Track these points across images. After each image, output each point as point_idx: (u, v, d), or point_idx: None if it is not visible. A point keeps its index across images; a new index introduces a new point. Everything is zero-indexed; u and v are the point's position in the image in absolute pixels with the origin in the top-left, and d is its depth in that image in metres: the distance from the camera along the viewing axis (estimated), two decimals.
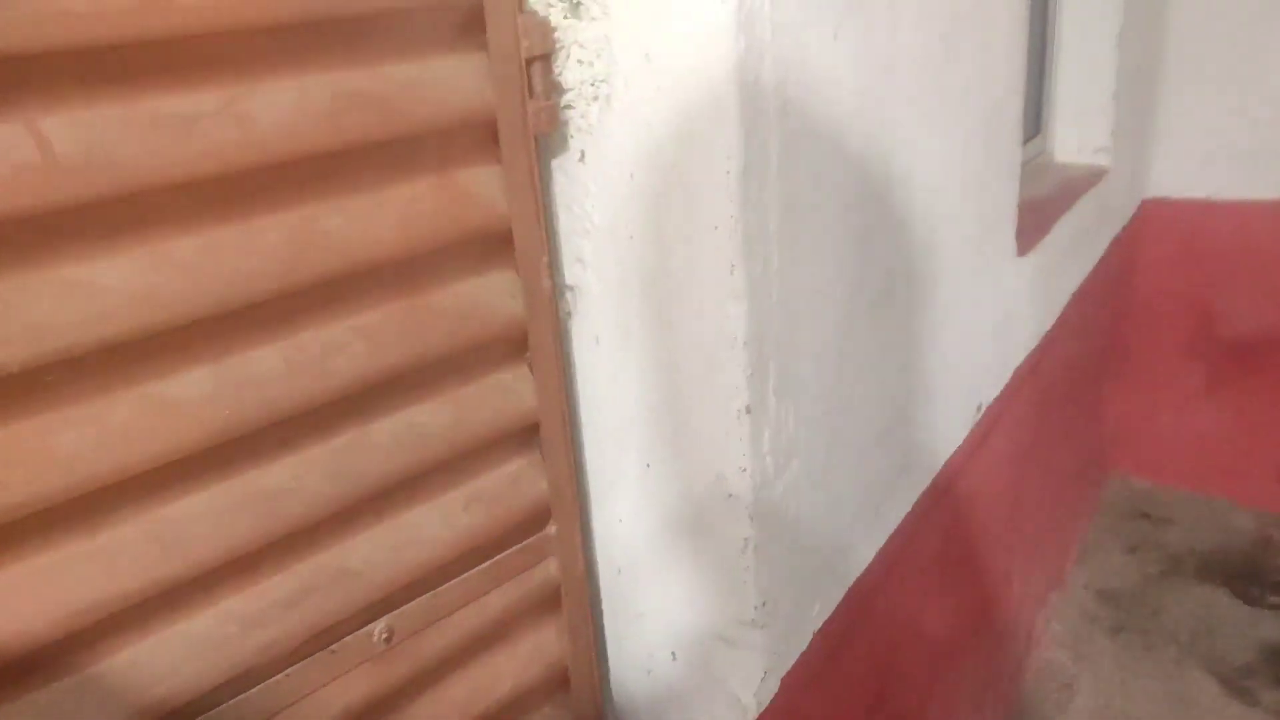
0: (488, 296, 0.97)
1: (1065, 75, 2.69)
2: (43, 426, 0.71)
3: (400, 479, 0.94)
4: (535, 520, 1.07)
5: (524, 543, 1.06)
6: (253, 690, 0.87)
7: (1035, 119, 2.68)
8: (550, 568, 1.10)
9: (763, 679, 1.18)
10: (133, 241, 0.72)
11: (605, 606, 1.23)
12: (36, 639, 0.73)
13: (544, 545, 1.08)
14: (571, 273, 1.07)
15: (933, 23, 1.31)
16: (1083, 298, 2.56)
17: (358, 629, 0.94)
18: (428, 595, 0.98)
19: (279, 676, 0.89)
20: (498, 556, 1.04)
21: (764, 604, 1.13)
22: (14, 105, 0.65)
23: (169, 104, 0.71)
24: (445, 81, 0.87)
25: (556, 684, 1.16)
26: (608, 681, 1.27)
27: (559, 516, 1.08)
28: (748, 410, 1.03)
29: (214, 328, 0.78)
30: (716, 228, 0.96)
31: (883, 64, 1.17)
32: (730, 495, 1.08)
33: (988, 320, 1.83)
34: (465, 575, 1.01)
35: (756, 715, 1.19)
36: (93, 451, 0.73)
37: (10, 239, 0.66)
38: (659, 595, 1.19)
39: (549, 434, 1.05)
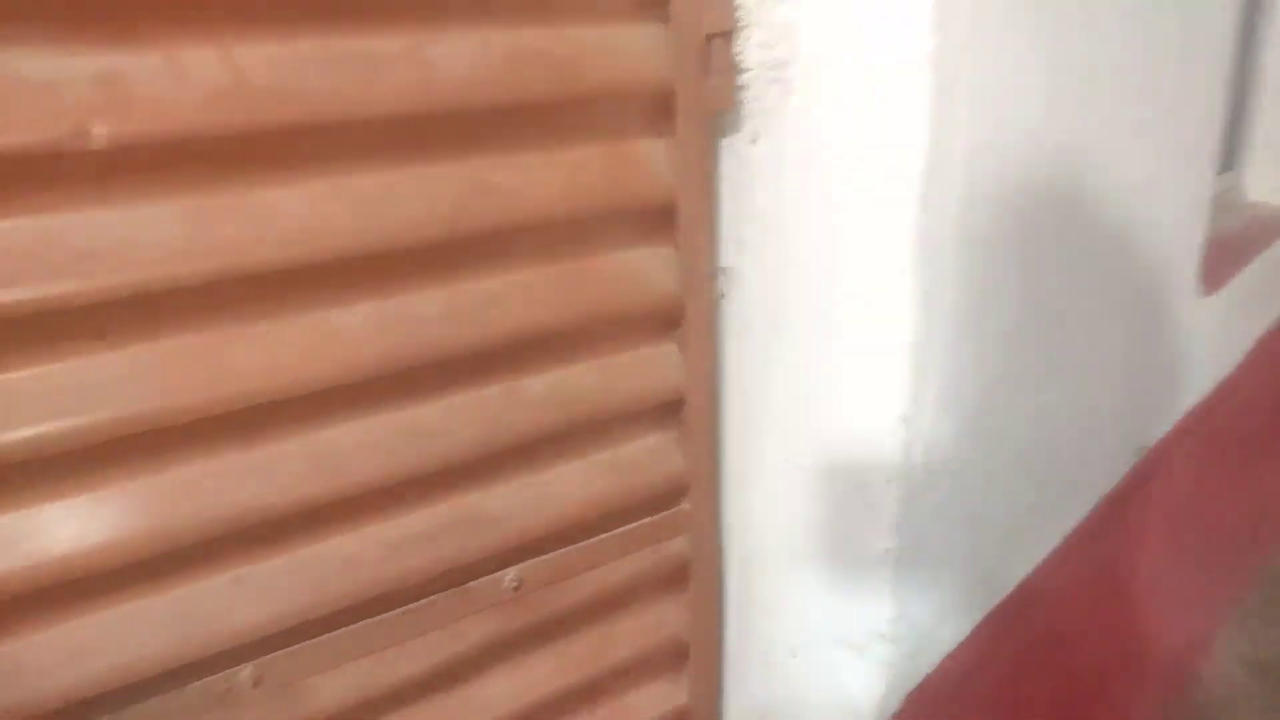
0: (646, 269, 0.98)
1: (1266, 110, 2.52)
2: (219, 340, 0.77)
3: (544, 436, 0.97)
4: (670, 495, 1.08)
5: (657, 516, 1.07)
6: (386, 615, 0.92)
7: (1228, 152, 2.52)
8: (681, 544, 1.10)
9: (885, 693, 1.15)
10: (313, 172, 0.77)
11: (729, 591, 1.23)
12: (192, 537, 0.78)
13: (677, 521, 1.09)
14: (728, 256, 1.07)
15: (1132, 42, 1.24)
16: (1264, 351, 2.39)
17: (490, 573, 0.97)
18: (559, 551, 1.01)
19: (412, 606, 0.93)
20: (630, 525, 1.05)
21: (897, 618, 1.10)
22: (211, 31, 0.70)
23: (356, 43, 0.75)
24: (625, 48, 0.88)
25: (674, 660, 1.16)
26: (722, 666, 1.26)
27: (694, 495, 1.09)
28: (904, 419, 1.00)
29: (381, 265, 0.82)
30: (891, 227, 0.94)
31: (1077, 79, 1.12)
32: (875, 504, 1.05)
33: (1161, 360, 1.73)
34: (597, 538, 1.03)
35: None
36: (262, 368, 0.78)
37: (201, 158, 0.72)
38: (785, 590, 1.17)
39: (693, 413, 1.05)
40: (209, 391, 0.76)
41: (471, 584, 0.96)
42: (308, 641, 0.88)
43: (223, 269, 0.74)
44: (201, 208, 0.72)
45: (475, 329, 0.88)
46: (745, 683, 1.27)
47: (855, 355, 1.01)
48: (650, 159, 0.94)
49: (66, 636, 0.77)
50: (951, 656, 1.26)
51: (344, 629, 0.90)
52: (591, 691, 1.12)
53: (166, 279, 0.71)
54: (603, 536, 1.04)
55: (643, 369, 1.01)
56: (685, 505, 1.09)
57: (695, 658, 1.17)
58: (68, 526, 0.74)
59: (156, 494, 0.77)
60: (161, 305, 0.73)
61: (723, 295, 1.09)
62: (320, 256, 0.78)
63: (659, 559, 1.09)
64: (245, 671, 0.85)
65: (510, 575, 0.98)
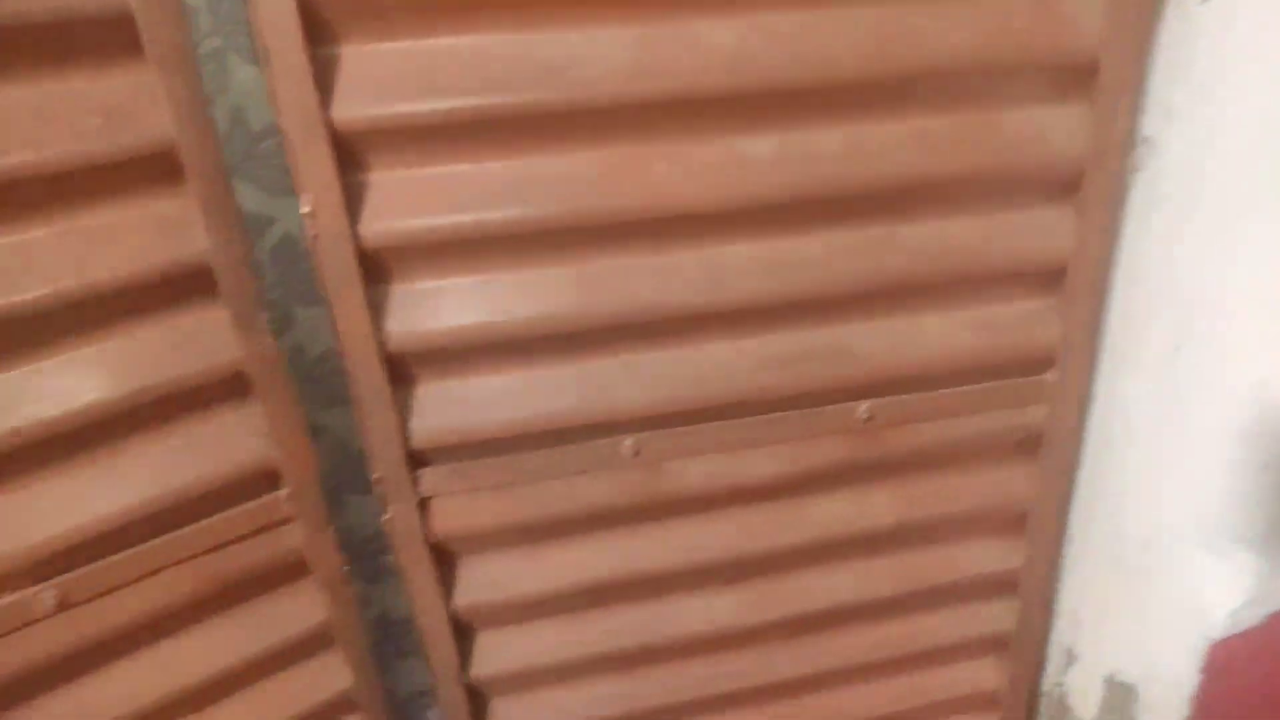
0: (1054, 129, 0.96)
1: None
2: (644, 154, 0.88)
3: (919, 283, 1.00)
4: (1038, 363, 1.08)
5: (1020, 380, 1.08)
6: (748, 419, 1.03)
7: None
8: (1038, 413, 1.10)
9: (1242, 606, 1.09)
10: (744, 7, 0.84)
11: (1082, 469, 1.21)
12: (599, 320, 0.94)
13: (1039, 389, 1.09)
14: (1152, 124, 1.01)
15: None
16: None
17: (843, 402, 1.04)
18: (914, 395, 1.06)
19: (771, 416, 1.03)
20: (990, 384, 1.07)
21: (1269, 533, 1.04)
22: None
23: None
24: None
25: (1013, 524, 1.19)
26: (1062, 541, 1.26)
27: (1064, 366, 1.07)
28: None
29: (792, 100, 0.89)
30: None
31: None
32: (1270, 409, 0.98)
33: None
34: (955, 390, 1.06)
35: (1221, 637, 1.11)
36: (677, 183, 0.89)
37: None
38: (1148, 480, 1.13)
39: (1077, 283, 1.03)
40: (631, 198, 0.88)
41: (826, 408, 1.04)
42: (679, 428, 1.02)
43: (657, 90, 0.84)
44: (647, 35, 0.82)
45: (871, 170, 0.92)
46: (1083, 564, 1.26)
47: (1274, 245, 0.92)
48: (1080, 13, 0.90)
49: (502, 385, 0.97)
50: None
51: (710, 424, 1.02)
52: (925, 533, 1.17)
53: (611, 95, 0.83)
54: (960, 389, 1.06)
55: (1032, 231, 1.00)
56: (1051, 375, 1.08)
57: (1034, 527, 1.18)
58: (510, 298, 0.92)
59: (577, 280, 0.92)
60: (602, 118, 0.85)
61: (1138, 167, 1.03)
62: (741, 86, 0.86)
63: (1014, 423, 1.10)
64: (627, 442, 1.01)
65: (863, 408, 1.05)
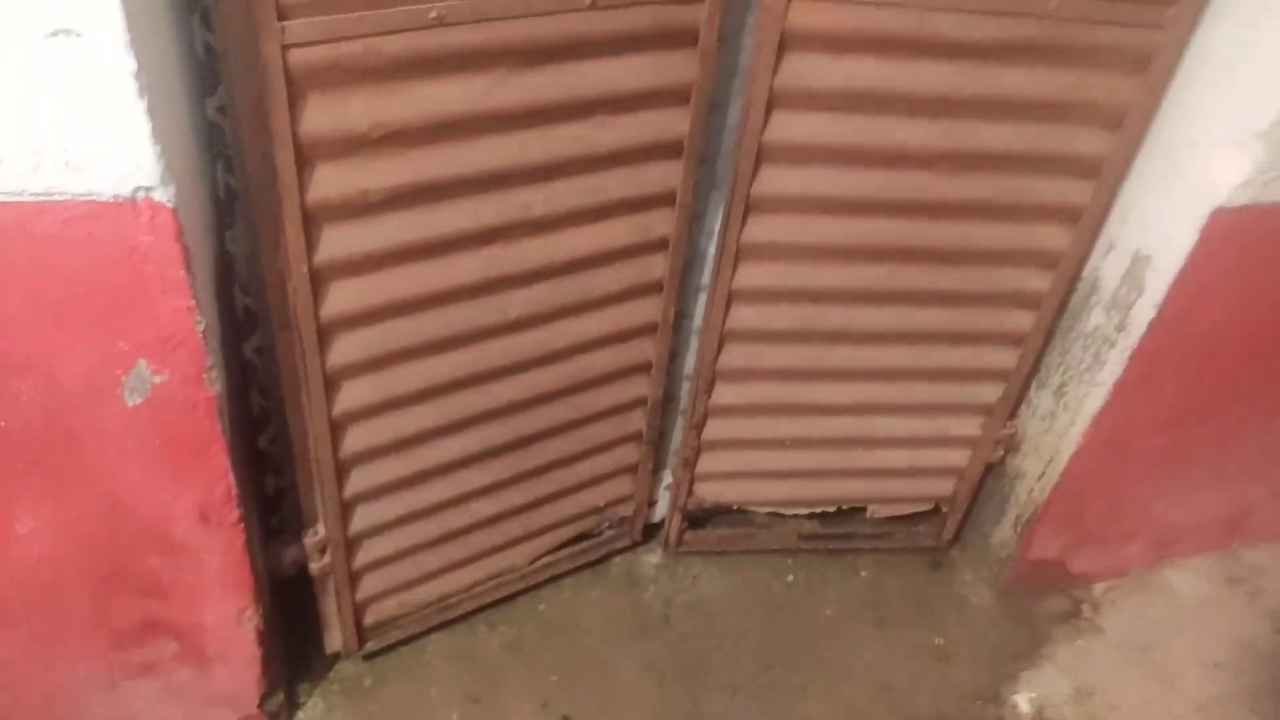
0: None
1: None
2: None
3: None
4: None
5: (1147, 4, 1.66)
6: None
7: None
8: (1157, 35, 1.67)
9: (1239, 184, 1.72)
10: None
11: (1169, 88, 1.79)
12: None
13: (1161, 16, 1.65)
14: None
15: None
16: None
17: None
18: None
19: None
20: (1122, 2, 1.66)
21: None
22: None
23: None
24: None
25: (1112, 119, 1.78)
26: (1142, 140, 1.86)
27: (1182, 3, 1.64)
28: None
29: None
30: None
31: None
32: None
33: None
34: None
35: (1220, 206, 1.75)
36: None
37: None
38: (1210, 104, 1.73)
39: None
40: None
41: None
42: None
43: None
44: None
45: None
46: (1142, 163, 1.88)
47: None
48: None
49: None
50: None
51: None
52: (1050, 111, 1.77)
53: None
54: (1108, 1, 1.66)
55: None
56: (1172, 10, 1.66)
57: (1128, 124, 1.77)
58: None
59: None
60: None
61: None
62: None
63: (1138, 41, 1.70)
64: None
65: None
